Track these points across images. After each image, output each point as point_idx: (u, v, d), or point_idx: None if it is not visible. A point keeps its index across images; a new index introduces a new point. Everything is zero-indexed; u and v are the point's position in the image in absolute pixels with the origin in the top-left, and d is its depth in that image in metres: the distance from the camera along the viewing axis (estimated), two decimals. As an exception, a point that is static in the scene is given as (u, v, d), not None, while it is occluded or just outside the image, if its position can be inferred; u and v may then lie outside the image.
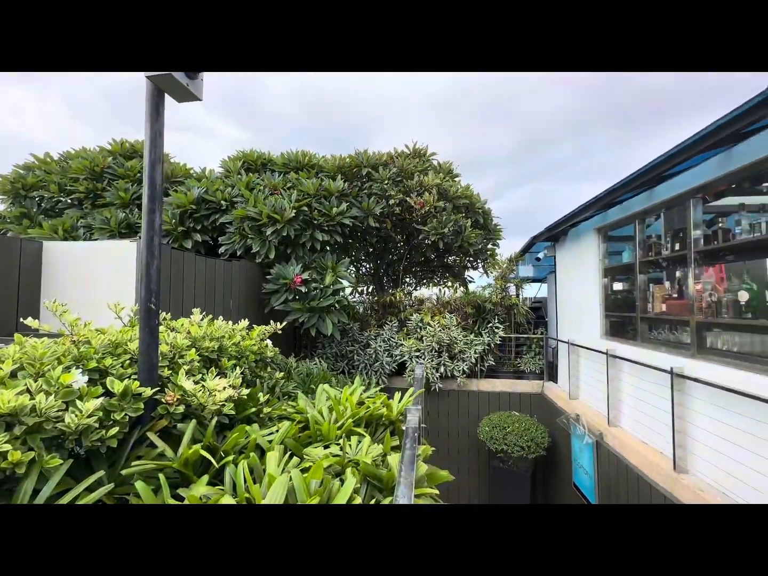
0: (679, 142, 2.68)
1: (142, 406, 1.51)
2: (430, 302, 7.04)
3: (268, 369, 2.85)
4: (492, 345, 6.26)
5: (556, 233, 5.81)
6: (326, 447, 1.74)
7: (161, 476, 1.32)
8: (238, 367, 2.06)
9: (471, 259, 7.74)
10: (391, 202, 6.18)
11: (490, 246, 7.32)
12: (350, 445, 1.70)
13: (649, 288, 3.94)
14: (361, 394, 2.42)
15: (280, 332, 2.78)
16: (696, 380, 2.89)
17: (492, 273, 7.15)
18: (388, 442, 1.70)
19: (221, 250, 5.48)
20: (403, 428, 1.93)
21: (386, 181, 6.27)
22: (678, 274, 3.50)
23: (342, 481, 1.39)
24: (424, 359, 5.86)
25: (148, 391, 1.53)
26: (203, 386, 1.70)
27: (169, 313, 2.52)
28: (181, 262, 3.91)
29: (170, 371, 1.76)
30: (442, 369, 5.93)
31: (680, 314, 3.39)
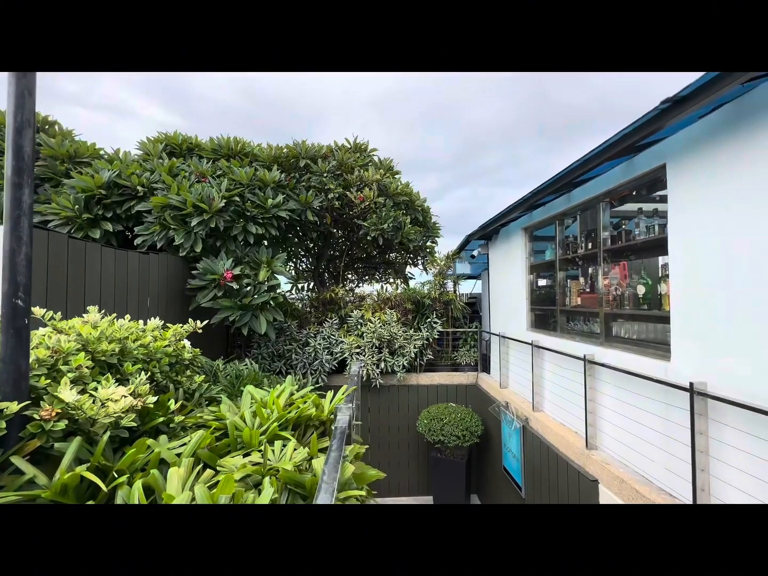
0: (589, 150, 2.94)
1: (4, 425, 1.23)
2: (371, 299, 7.03)
3: (188, 372, 2.57)
4: (431, 339, 6.43)
5: (489, 232, 6.13)
6: (246, 455, 1.59)
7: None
8: (144, 372, 1.81)
9: (411, 255, 7.88)
10: (331, 195, 6.02)
11: (429, 243, 7.50)
12: (273, 451, 1.57)
13: (567, 283, 4.31)
14: (292, 394, 2.28)
15: (200, 331, 2.53)
16: (602, 365, 3.21)
17: (431, 270, 7.35)
18: (314, 444, 1.60)
19: (137, 241, 4.89)
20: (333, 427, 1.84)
21: (326, 174, 6.09)
22: (590, 270, 3.87)
23: (260, 492, 1.26)
24: (364, 356, 5.82)
25: (13, 406, 1.25)
26: (92, 396, 1.45)
27: (59, 313, 2.14)
28: (82, 254, 3.38)
29: (49, 381, 1.47)
30: (382, 365, 5.95)
31: (592, 307, 3.75)
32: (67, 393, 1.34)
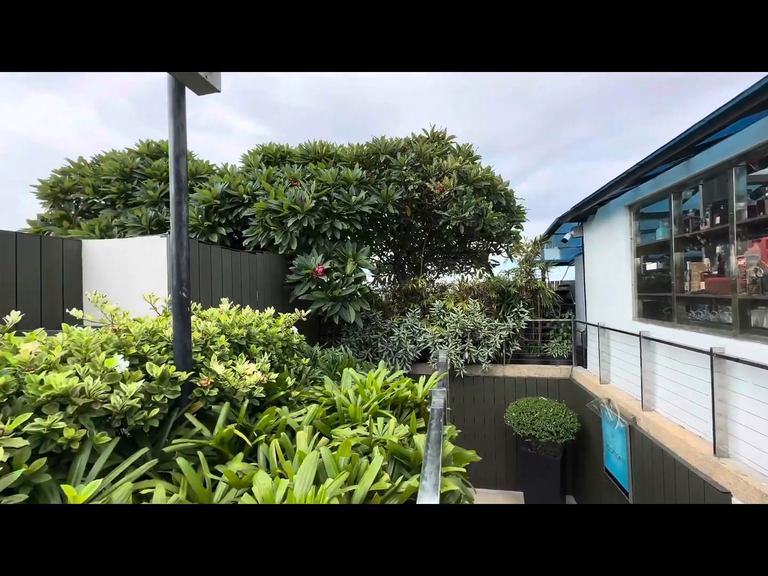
0: (718, 107, 2.49)
1: (179, 389, 1.59)
2: (453, 288, 6.97)
3: (295, 356, 2.92)
4: (517, 330, 6.15)
5: (584, 213, 5.58)
6: (353, 428, 1.78)
7: (200, 453, 1.39)
8: (265, 353, 2.13)
9: (494, 243, 7.58)
10: (410, 188, 6.11)
11: (513, 229, 7.12)
12: (376, 426, 1.73)
13: (686, 266, 3.73)
14: (385, 378, 2.45)
15: (304, 320, 2.85)
16: (739, 360, 2.73)
17: (516, 257, 6.98)
18: (414, 423, 1.72)
19: (245, 242, 5.63)
20: (429, 410, 1.94)
21: (405, 167, 6.19)
22: (718, 249, 3.29)
23: (370, 460, 1.42)
24: (447, 346, 5.84)
25: (183, 375, 1.62)
26: (234, 371, 1.77)
27: (200, 304, 2.63)
28: (209, 256, 4.05)
29: (203, 357, 1.84)
30: (466, 355, 5.89)
31: (721, 292, 3.19)
32: (218, 367, 1.68)
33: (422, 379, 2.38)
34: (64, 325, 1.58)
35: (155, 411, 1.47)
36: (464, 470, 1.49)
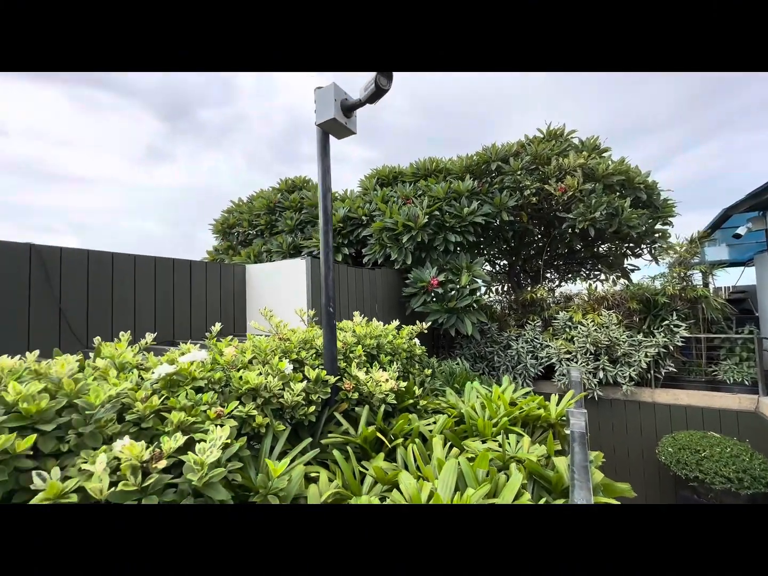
0: None
1: (329, 390, 1.86)
2: (580, 298, 6.24)
3: (416, 366, 3.06)
4: (671, 347, 5.11)
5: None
6: (483, 442, 1.77)
7: (349, 449, 1.60)
8: (394, 363, 2.30)
9: (632, 245, 6.52)
10: (527, 192, 5.77)
11: (659, 226, 6.02)
12: (509, 443, 1.69)
13: None
14: (512, 394, 2.36)
15: (425, 332, 2.96)
16: None
17: (664, 259, 5.86)
18: (551, 444, 1.62)
19: (365, 260, 6.15)
20: (566, 432, 1.80)
21: (519, 172, 5.90)
22: None
23: (507, 476, 1.40)
24: (576, 363, 5.22)
25: (332, 379, 1.88)
26: (371, 377, 1.97)
27: (335, 316, 3.00)
28: (337, 273, 4.57)
29: (345, 364, 2.10)
30: (601, 374, 5.17)
31: None
32: (360, 373, 1.90)
33: (553, 398, 2.22)
34: (248, 334, 2.02)
35: (312, 408, 1.74)
36: (616, 502, 1.33)
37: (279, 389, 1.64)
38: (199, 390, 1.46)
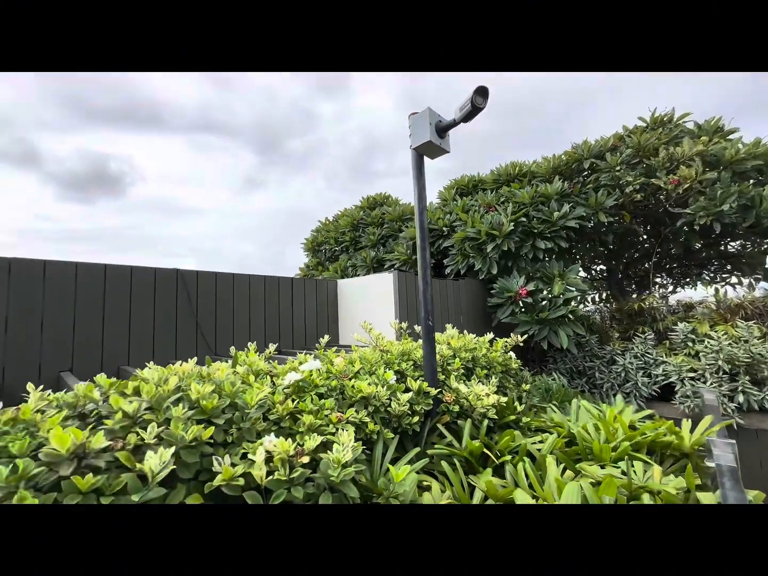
0: None
1: (431, 402, 1.91)
2: (705, 307, 5.32)
3: (511, 381, 2.94)
4: (844, 367, 4.05)
5: None
6: (602, 467, 1.63)
7: (456, 461, 1.62)
8: (492, 377, 2.26)
9: (775, 240, 5.38)
10: (628, 189, 5.19)
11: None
12: (634, 471, 1.53)
13: None
14: (629, 416, 2.13)
15: (521, 345, 2.84)
16: None
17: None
18: (690, 477, 1.42)
19: (447, 271, 6.14)
20: (707, 464, 1.57)
21: (618, 167, 5.34)
22: None
23: (637, 507, 1.27)
24: (705, 383, 4.44)
25: (433, 391, 1.93)
26: (472, 391, 1.97)
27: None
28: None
29: (443, 376, 2.14)
30: (740, 398, 4.30)
31: None
32: (462, 386, 1.92)
33: (686, 423, 1.94)
34: (353, 345, 2.19)
35: (416, 418, 1.81)
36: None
37: (386, 399, 1.75)
38: (320, 396, 1.64)
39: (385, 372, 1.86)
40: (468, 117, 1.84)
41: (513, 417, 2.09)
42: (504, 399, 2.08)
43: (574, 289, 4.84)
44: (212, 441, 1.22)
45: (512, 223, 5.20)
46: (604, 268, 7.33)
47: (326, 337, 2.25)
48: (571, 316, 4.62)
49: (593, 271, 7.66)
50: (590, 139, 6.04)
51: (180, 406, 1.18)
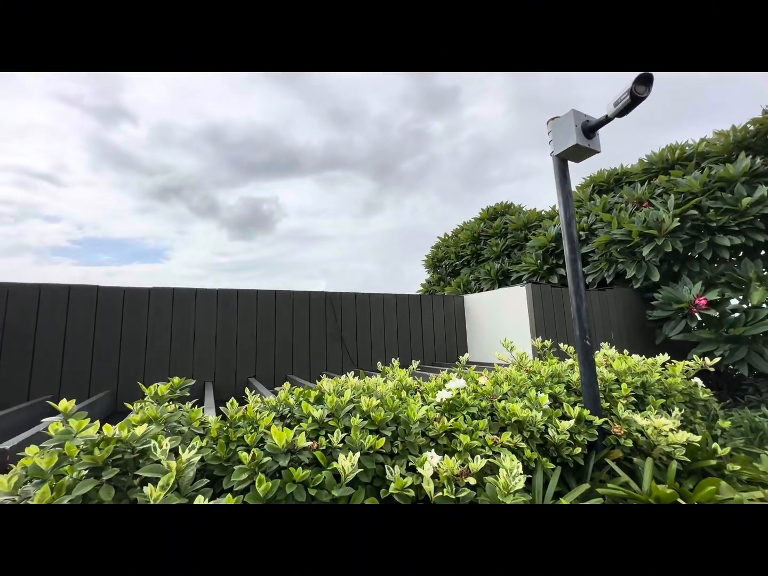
0: None
1: (596, 433, 1.69)
2: None
3: (697, 414, 2.37)
4: None
5: None
6: None
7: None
8: (676, 408, 1.87)
9: None
10: None
11: None
12: None
13: None
14: None
15: (711, 369, 2.28)
16: None
17: None
18: None
19: (588, 280, 5.42)
20: None
21: None
22: None
23: None
24: None
25: (598, 420, 1.71)
26: (651, 424, 1.67)
27: (571, 347, 2.74)
28: (560, 297, 4.21)
29: (607, 404, 1.87)
30: None
31: None
32: (638, 417, 1.65)
33: None
34: (496, 365, 2.13)
35: (578, 449, 1.62)
36: None
37: (542, 425, 1.63)
38: (472, 416, 1.63)
39: (538, 395, 1.74)
40: (626, 110, 1.63)
41: (712, 462, 1.67)
42: (696, 438, 1.69)
43: (785, 296, 3.64)
44: (382, 451, 1.34)
45: (677, 219, 4.29)
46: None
47: (466, 355, 2.25)
48: (783, 333, 3.48)
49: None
50: (795, 97, 4.57)
51: (357, 416, 1.35)
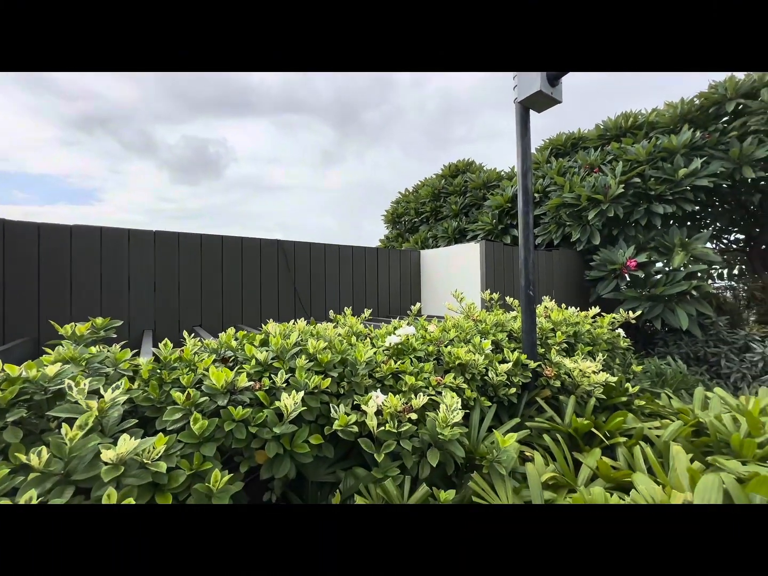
0: None
1: (530, 375, 1.83)
2: None
3: (617, 361, 2.66)
4: None
5: None
6: (743, 464, 1.41)
7: (559, 437, 1.54)
8: (600, 354, 2.07)
9: None
10: (791, 135, 4.08)
11: None
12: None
13: None
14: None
15: (633, 321, 2.53)
16: None
17: None
18: None
19: (537, 241, 5.67)
20: None
21: (778, 107, 4.21)
22: None
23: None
24: None
25: (532, 364, 1.84)
26: (577, 366, 1.83)
27: (516, 301, 2.90)
28: (511, 256, 4.39)
29: (543, 350, 2.02)
30: None
31: None
32: (567, 361, 1.79)
33: None
34: (446, 314, 2.19)
35: (513, 389, 1.76)
36: None
37: (483, 367, 1.73)
38: (419, 359, 1.68)
39: (482, 341, 1.83)
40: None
41: (623, 398, 1.90)
42: (613, 378, 1.90)
43: (700, 261, 4.08)
44: (328, 391, 1.34)
45: (622, 185, 4.52)
46: (742, 237, 6.01)
47: (418, 305, 2.28)
48: (694, 293, 3.95)
49: (725, 241, 6.35)
50: (740, 75, 4.82)
51: (302, 358, 1.32)
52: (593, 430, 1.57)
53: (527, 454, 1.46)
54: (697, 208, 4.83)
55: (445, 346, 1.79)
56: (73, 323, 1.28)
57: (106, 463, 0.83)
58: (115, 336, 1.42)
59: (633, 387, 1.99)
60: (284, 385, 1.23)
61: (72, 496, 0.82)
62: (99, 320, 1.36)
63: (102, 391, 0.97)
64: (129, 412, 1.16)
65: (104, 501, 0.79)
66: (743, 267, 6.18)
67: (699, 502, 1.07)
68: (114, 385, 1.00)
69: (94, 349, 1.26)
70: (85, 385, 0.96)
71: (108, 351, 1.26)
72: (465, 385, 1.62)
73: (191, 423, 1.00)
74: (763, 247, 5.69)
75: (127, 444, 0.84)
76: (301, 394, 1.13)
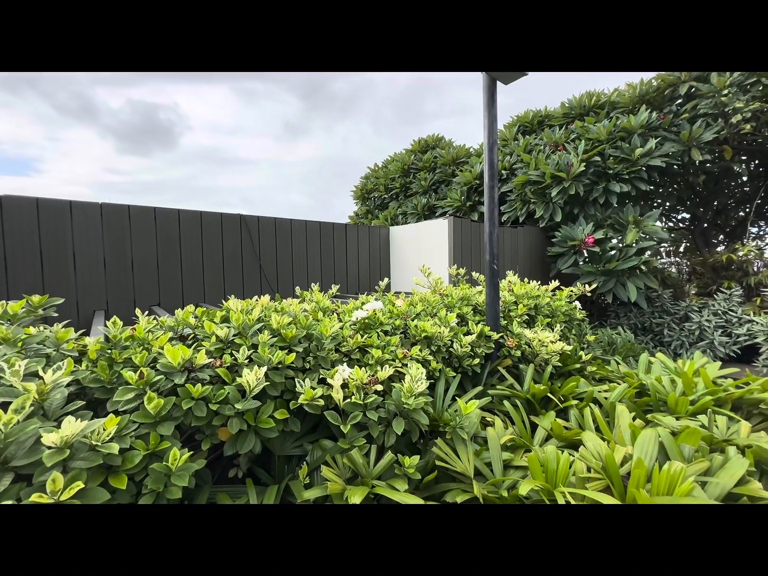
0: None
1: (492, 345, 1.90)
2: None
3: (573, 331, 2.83)
4: None
5: None
6: (677, 419, 1.56)
7: (518, 402, 1.63)
8: (558, 325, 2.18)
9: None
10: (735, 119, 4.35)
11: None
12: (716, 425, 1.44)
13: None
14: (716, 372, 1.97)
15: (589, 294, 2.68)
16: None
17: None
18: (786, 435, 1.31)
19: (504, 218, 5.79)
20: (806, 425, 1.43)
21: (725, 91, 4.44)
22: None
23: (724, 459, 1.22)
24: (800, 345, 3.95)
25: (495, 335, 1.91)
26: (536, 337, 1.92)
27: (480, 275, 2.97)
28: (476, 231, 4.46)
29: (505, 321, 2.10)
30: (843, 363, 3.80)
31: None
32: (527, 332, 1.87)
33: (781, 382, 1.76)
34: (413, 289, 2.20)
35: (477, 360, 1.82)
36: None
37: (449, 339, 1.77)
38: (386, 333, 1.69)
39: (447, 315, 1.86)
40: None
41: (577, 365, 2.03)
42: (569, 347, 2.02)
43: (650, 237, 4.36)
44: (293, 366, 1.32)
45: (583, 164, 4.66)
46: (687, 216, 6.46)
47: (386, 280, 2.28)
48: (643, 268, 4.23)
49: (673, 220, 6.80)
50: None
51: (265, 333, 1.28)
52: (549, 395, 1.68)
53: (488, 419, 1.54)
54: (651, 188, 5.10)
55: (412, 320, 1.81)
56: (4, 301, 1.16)
57: (49, 448, 0.78)
58: (56, 315, 1.30)
59: (586, 355, 2.12)
60: (246, 361, 1.20)
61: (11, 483, 0.76)
62: (36, 298, 1.25)
63: (41, 373, 0.89)
64: (76, 394, 1.09)
65: (49, 486, 0.74)
66: (687, 244, 6.67)
67: (638, 454, 1.17)
68: (56, 366, 0.92)
69: (31, 330, 1.16)
70: (20, 366, 0.88)
71: (49, 331, 1.16)
72: (431, 357, 1.66)
73: (145, 402, 0.95)
74: (705, 225, 6.15)
75: (72, 426, 0.78)
76: (264, 369, 1.10)
